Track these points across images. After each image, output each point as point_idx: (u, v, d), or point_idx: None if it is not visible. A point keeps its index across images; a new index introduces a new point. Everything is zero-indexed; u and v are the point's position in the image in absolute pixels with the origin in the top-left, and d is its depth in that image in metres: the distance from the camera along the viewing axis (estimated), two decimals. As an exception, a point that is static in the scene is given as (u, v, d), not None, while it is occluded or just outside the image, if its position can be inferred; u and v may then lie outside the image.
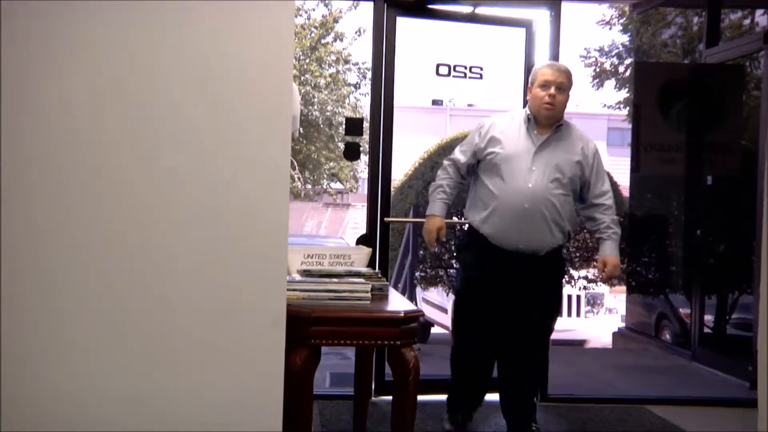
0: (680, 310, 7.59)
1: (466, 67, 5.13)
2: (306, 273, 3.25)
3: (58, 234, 2.49)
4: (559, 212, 3.91)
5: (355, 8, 14.90)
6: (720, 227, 6.46)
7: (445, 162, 4.16)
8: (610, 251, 4.02)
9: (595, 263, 9.00)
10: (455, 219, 6.74)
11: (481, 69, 5.16)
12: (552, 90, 3.93)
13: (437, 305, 9.84)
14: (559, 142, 3.98)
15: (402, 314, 3.00)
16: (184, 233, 2.54)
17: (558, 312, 4.30)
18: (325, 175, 17.54)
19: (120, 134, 2.51)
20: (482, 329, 4.07)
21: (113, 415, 2.51)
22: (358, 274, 3.33)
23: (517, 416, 4.15)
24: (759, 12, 8.09)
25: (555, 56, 4.96)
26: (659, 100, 6.02)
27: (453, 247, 8.76)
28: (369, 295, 3.10)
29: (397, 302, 3.29)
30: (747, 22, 9.07)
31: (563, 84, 3.96)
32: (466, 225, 4.16)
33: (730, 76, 6.43)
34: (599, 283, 8.41)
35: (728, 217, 6.45)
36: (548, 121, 3.98)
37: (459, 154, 4.11)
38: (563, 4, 5.00)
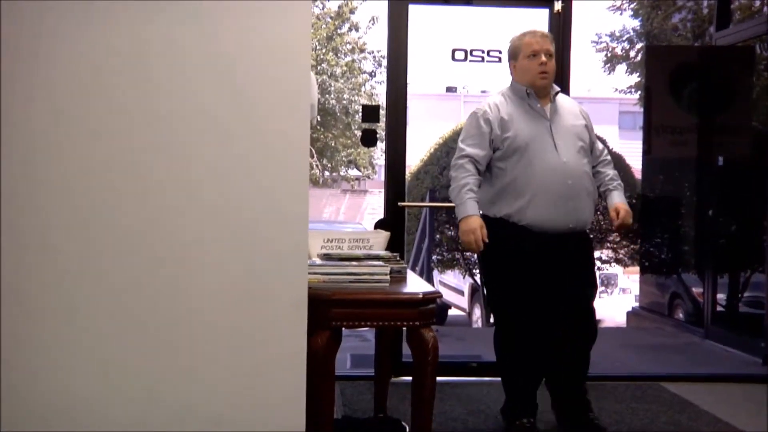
0: (693, 289, 7.56)
1: (484, 51, 5.05)
2: (326, 257, 3.25)
3: (75, 220, 2.50)
4: (591, 181, 3.75)
5: (372, -1, 14.89)
6: (731, 208, 6.42)
7: (460, 161, 3.73)
8: (617, 199, 3.79)
9: (609, 243, 8.97)
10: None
11: (500, 52, 5.04)
12: (543, 57, 3.71)
13: (454, 287, 9.85)
14: (563, 110, 3.78)
15: (420, 296, 3.00)
16: (206, 220, 2.55)
17: (596, 280, 3.99)
18: (343, 162, 17.54)
19: (140, 124, 2.52)
20: (534, 323, 3.75)
21: (135, 398, 2.53)
22: (376, 257, 3.32)
23: (573, 405, 3.82)
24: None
25: (567, 41, 4.92)
26: (670, 83, 5.98)
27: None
28: (388, 277, 3.10)
29: (416, 284, 3.29)
30: (757, 3, 8.98)
31: (550, 50, 3.75)
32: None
33: (740, 58, 6.37)
34: (612, 263, 8.19)
35: (739, 197, 6.41)
36: (544, 90, 3.76)
37: (474, 149, 3.71)
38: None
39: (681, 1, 10.89)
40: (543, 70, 3.71)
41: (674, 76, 6.06)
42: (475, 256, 4.33)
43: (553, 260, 3.69)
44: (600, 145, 3.93)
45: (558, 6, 4.91)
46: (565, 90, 4.83)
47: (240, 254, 2.57)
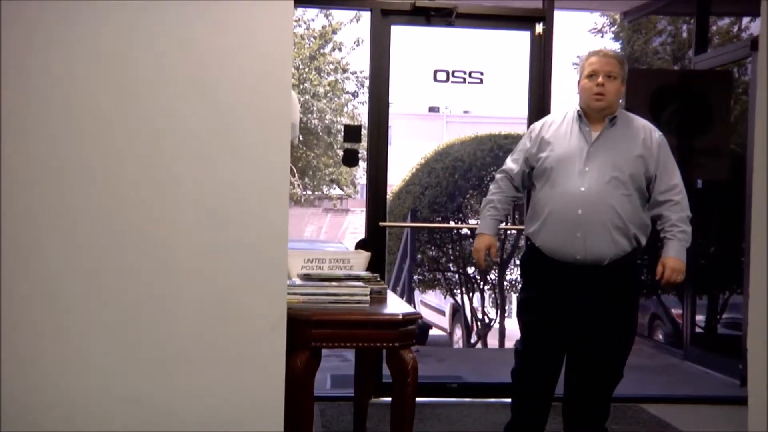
0: (672, 310, 7.59)
1: (465, 72, 5.09)
2: (306, 277, 3.24)
3: (57, 239, 2.48)
4: (620, 216, 3.42)
5: (357, 21, 14.92)
6: (710, 230, 6.47)
7: (497, 175, 3.72)
8: (672, 252, 3.45)
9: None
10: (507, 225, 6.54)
11: (481, 74, 5.09)
12: (600, 79, 3.47)
13: (435, 308, 9.83)
14: (617, 137, 3.50)
15: (400, 317, 2.99)
16: (185, 239, 2.54)
17: (631, 337, 3.58)
18: (325, 181, 17.53)
19: (121, 144, 2.51)
20: (544, 354, 3.57)
21: (115, 416, 2.51)
22: (357, 278, 3.32)
23: None
24: (746, 18, 8.11)
25: (548, 64, 4.96)
26: (650, 106, 6.02)
27: (457, 254, 8.76)
28: (368, 298, 3.09)
29: (396, 305, 3.28)
30: (735, 28, 9.09)
31: (613, 71, 3.49)
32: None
33: (719, 81, 6.43)
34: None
35: (718, 219, 6.46)
36: (601, 114, 3.51)
37: (511, 163, 3.69)
38: (555, 13, 5.00)
39: (661, 24, 11.01)
40: (598, 92, 3.48)
41: (654, 99, 6.11)
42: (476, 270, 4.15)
43: (571, 291, 3.47)
44: (669, 182, 3.51)
45: (539, 29, 4.94)
46: (545, 111, 4.86)
47: (218, 273, 2.55)
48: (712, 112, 6.22)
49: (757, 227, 2.85)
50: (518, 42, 5.03)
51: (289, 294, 2.84)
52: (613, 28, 12.53)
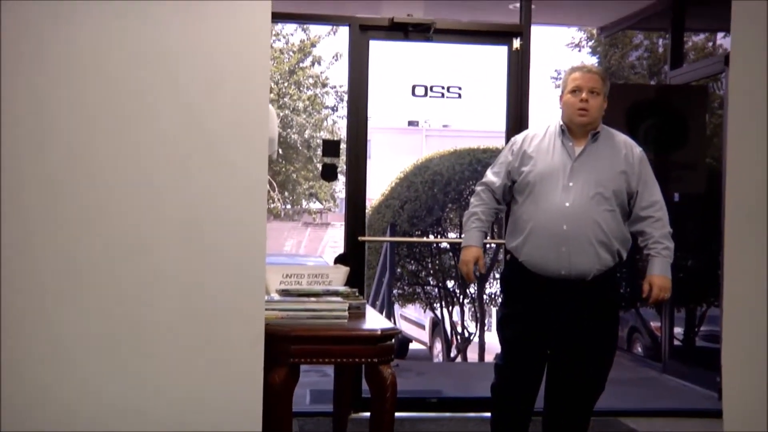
0: (651, 323, 7.62)
1: (444, 87, 5.11)
2: (284, 292, 3.23)
3: (30, 250, 2.46)
4: (604, 231, 3.43)
5: (334, 34, 14.94)
6: (687, 243, 6.51)
7: (478, 187, 3.72)
8: (657, 269, 3.47)
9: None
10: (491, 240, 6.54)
11: (460, 88, 5.12)
12: (584, 94, 3.48)
13: (415, 321, 9.83)
14: (600, 152, 3.52)
15: (379, 332, 2.99)
16: (161, 254, 2.53)
17: (613, 350, 3.62)
18: (305, 195, 17.52)
19: (96, 160, 2.50)
20: (525, 369, 3.57)
21: (94, 421, 2.48)
22: (335, 293, 3.32)
23: None
24: (720, 35, 8.21)
25: (526, 78, 4.99)
26: (627, 120, 6.07)
27: (437, 268, 8.77)
28: (346, 313, 3.09)
29: (375, 320, 3.28)
30: (710, 45, 9.21)
31: (596, 87, 3.50)
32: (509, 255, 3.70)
33: (694, 96, 6.50)
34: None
35: (695, 232, 6.51)
36: (584, 129, 3.52)
37: (492, 176, 3.67)
38: (533, 28, 5.05)
39: (637, 39, 11.12)
40: (582, 107, 3.48)
41: (631, 113, 6.16)
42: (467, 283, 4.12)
43: (555, 305, 3.48)
44: (651, 198, 3.53)
45: (516, 44, 4.98)
46: (523, 125, 4.89)
47: (195, 289, 2.54)
48: (688, 127, 6.28)
49: (731, 240, 2.88)
50: (496, 57, 5.07)
51: (267, 309, 2.83)
52: (590, 43, 12.64)
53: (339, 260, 4.80)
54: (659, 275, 3.47)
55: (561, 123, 3.57)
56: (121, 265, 2.50)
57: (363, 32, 4.89)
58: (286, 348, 2.87)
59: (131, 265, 2.51)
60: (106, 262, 2.49)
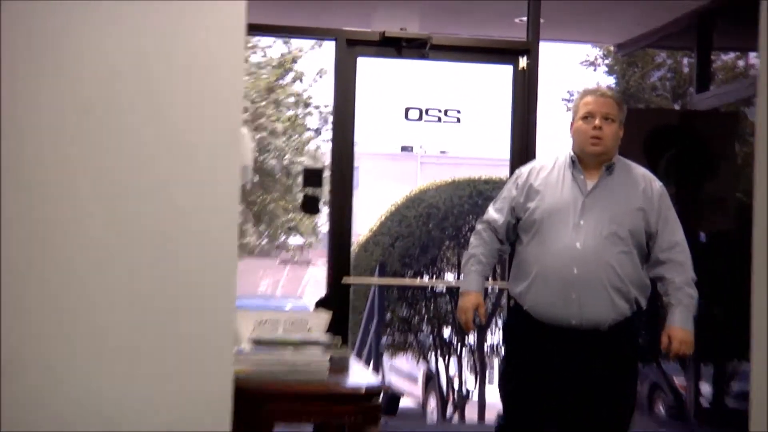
0: (675, 379, 7.60)
1: (440, 111, 5.13)
2: (257, 342, 3.21)
3: None
4: (619, 275, 3.41)
5: (319, 47, 15.03)
6: (716, 288, 6.50)
7: (479, 225, 3.72)
8: (678, 321, 3.46)
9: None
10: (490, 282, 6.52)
11: (458, 112, 5.14)
12: (597, 121, 3.47)
13: (406, 374, 9.79)
14: (615, 186, 3.51)
15: (363, 389, 2.97)
16: (116, 302, 2.50)
17: (631, 411, 3.60)
18: (283, 229, 17.52)
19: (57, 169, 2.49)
20: (532, 429, 3.55)
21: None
22: (315, 343, 3.29)
23: None
24: (753, 54, 8.27)
25: (533, 101, 5.02)
26: (646, 150, 6.09)
27: (431, 314, 8.76)
28: (327, 366, 3.07)
29: (359, 374, 3.28)
30: (741, 63, 9.27)
31: (611, 113, 3.50)
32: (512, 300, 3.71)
33: (723, 122, 6.54)
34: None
35: (724, 277, 6.50)
36: (597, 160, 3.52)
37: (494, 213, 3.67)
38: (542, 45, 5.08)
39: (660, 58, 11.21)
40: (595, 135, 3.47)
41: (651, 142, 6.19)
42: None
43: (564, 360, 3.47)
44: (671, 239, 3.52)
45: (523, 62, 5.01)
46: (530, 153, 4.91)
47: (155, 340, 2.51)
48: (717, 157, 6.31)
49: (759, 284, 2.86)
50: (500, 77, 5.11)
51: (237, 362, 2.80)
52: (606, 61, 12.76)
53: (320, 304, 4.78)
54: (680, 327, 3.46)
55: (571, 153, 3.57)
56: (68, 309, 2.48)
57: (351, 47, 4.92)
58: (258, 407, 2.84)
59: (83, 308, 2.48)
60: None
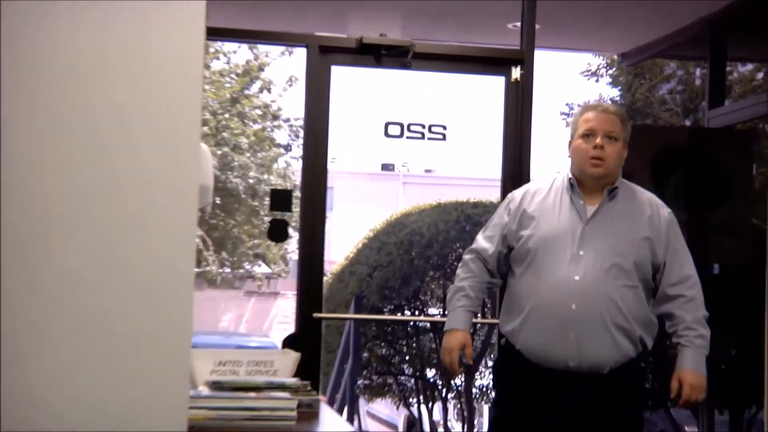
0: (686, 429, 7.62)
1: (424, 126, 5.14)
2: (216, 385, 3.20)
3: None
4: (623, 312, 3.41)
5: (289, 54, 15.05)
6: (731, 327, 6.53)
7: (466, 255, 3.73)
8: (689, 363, 3.44)
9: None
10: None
11: (444, 128, 5.15)
12: (599, 139, 3.47)
13: (385, 421, 9.79)
14: (618, 213, 3.52)
15: (336, 438, 2.97)
16: (63, 343, 2.50)
17: None
18: (248, 257, 17.50)
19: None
20: None
21: None
22: (281, 387, 3.29)
23: None
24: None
25: (527, 115, 5.05)
26: (653, 172, 6.13)
27: (414, 353, 8.75)
28: (295, 413, 3.06)
29: (331, 422, 3.27)
30: (760, 75, 9.35)
31: (614, 131, 3.50)
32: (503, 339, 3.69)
33: (739, 141, 6.58)
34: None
35: (740, 313, 6.54)
36: (598, 183, 3.52)
37: (483, 242, 3.68)
38: (537, 53, 5.11)
39: (669, 69, 11.29)
40: (596, 156, 3.47)
41: (658, 163, 6.23)
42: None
43: (561, 407, 3.46)
44: (681, 273, 3.52)
45: (516, 73, 5.04)
46: (526, 172, 4.93)
47: (96, 383, 2.50)
48: (732, 180, 6.35)
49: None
50: (490, 89, 5.14)
51: (192, 408, 2.80)
52: (610, 71, 12.85)
53: (288, 342, 4.79)
54: (691, 370, 3.45)
55: (570, 175, 3.58)
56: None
57: (324, 55, 4.94)
58: (215, 458, 2.84)
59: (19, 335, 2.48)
60: None
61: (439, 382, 8.78)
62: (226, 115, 15.33)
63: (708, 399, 6.56)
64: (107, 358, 2.52)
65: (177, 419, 2.55)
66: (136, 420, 2.52)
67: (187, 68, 2.58)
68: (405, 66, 4.95)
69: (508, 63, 5.07)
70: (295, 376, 3.57)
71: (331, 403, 7.61)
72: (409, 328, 8.65)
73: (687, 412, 7.38)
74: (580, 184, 3.55)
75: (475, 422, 8.93)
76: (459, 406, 8.82)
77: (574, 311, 3.40)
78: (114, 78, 2.55)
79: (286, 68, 15.43)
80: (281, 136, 16.16)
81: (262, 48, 15.25)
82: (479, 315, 6.81)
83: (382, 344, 8.77)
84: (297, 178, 13.39)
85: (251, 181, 15.49)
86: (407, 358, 8.79)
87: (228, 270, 17.90)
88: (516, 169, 5.01)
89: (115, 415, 2.52)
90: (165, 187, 2.56)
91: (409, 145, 5.07)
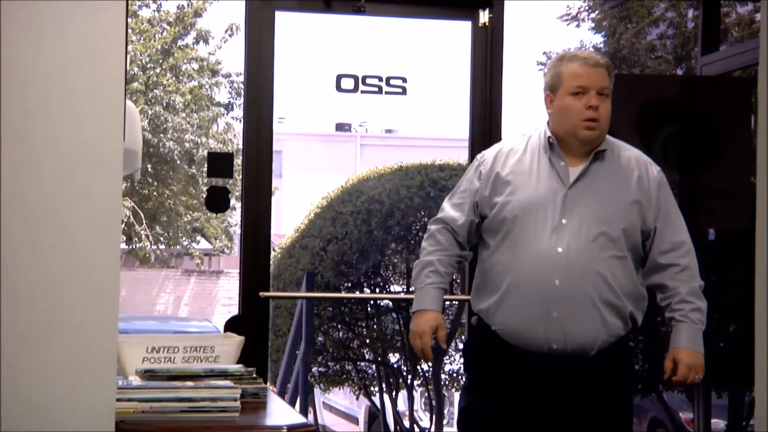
0: (680, 414, 7.71)
1: (381, 79, 5.12)
2: (149, 374, 3.21)
3: None
4: (611, 287, 3.41)
5: (225, -3, 14.97)
6: (729, 300, 6.59)
7: (432, 225, 3.68)
8: (684, 341, 3.45)
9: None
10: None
11: (404, 81, 5.14)
12: (593, 99, 3.42)
13: (344, 412, 9.83)
14: (604, 176, 3.50)
15: (284, 430, 2.97)
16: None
17: None
18: (186, 232, 17.45)
19: None
20: None
21: None
22: (223, 374, 3.31)
23: None
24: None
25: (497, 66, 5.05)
26: (640, 126, 6.14)
27: (375, 336, 8.79)
28: (238, 404, 3.08)
29: (280, 413, 3.29)
30: (758, 17, 9.42)
31: (607, 87, 3.46)
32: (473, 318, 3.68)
33: (736, 91, 6.60)
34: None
35: (740, 285, 6.60)
36: (589, 146, 3.50)
37: (451, 210, 3.64)
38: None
39: (658, 10, 11.31)
40: (591, 117, 3.42)
41: (646, 116, 6.24)
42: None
43: (542, 394, 3.47)
44: (673, 239, 3.53)
45: (484, 17, 5.03)
46: (496, 131, 4.95)
47: (17, 379, 2.50)
48: (727, 135, 6.38)
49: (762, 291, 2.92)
50: (455, 35, 5.12)
51: (121, 400, 2.81)
52: (592, 15, 12.87)
53: (231, 326, 4.79)
54: (687, 348, 3.45)
55: (549, 134, 3.54)
56: None
57: (266, 0, 4.91)
58: (148, 457, 2.85)
59: None
60: None
61: (404, 368, 8.81)
62: (158, 70, 15.21)
63: (704, 380, 6.66)
64: (22, 345, 2.52)
65: (104, 413, 2.56)
66: (58, 416, 2.53)
67: (107, 13, 2.57)
68: (358, 11, 4.94)
69: (475, 5, 5.06)
70: (239, 362, 3.58)
71: (282, 394, 7.63)
72: (369, 308, 8.66)
73: (682, 396, 7.46)
74: (561, 143, 3.52)
75: (445, 411, 8.97)
76: (426, 394, 8.87)
77: (558, 287, 3.40)
78: (24, 31, 2.54)
79: (225, 15, 15.33)
80: (221, 93, 16.08)
81: (196, -7, 15.14)
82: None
83: (339, 326, 8.79)
84: (239, 142, 13.35)
85: (187, 145, 15.41)
86: (367, 341, 8.81)
87: (163, 247, 17.85)
88: (485, 127, 5.02)
89: (33, 410, 2.52)
90: (84, 151, 2.55)
91: (365, 102, 5.08)
